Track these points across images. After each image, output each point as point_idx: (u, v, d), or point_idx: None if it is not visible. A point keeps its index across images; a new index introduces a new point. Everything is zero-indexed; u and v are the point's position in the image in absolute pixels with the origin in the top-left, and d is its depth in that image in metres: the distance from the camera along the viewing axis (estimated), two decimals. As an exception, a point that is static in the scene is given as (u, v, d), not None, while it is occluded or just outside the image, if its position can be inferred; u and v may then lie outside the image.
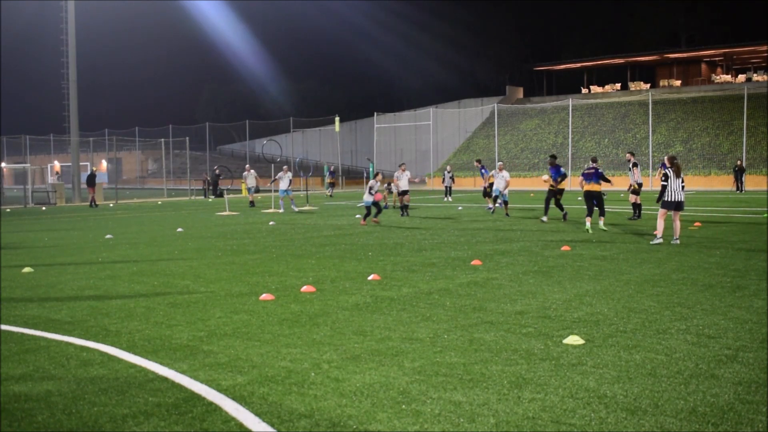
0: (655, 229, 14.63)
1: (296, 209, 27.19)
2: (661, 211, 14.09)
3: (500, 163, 23.24)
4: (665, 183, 13.95)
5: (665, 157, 14.56)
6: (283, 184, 27.21)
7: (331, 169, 47.33)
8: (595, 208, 17.31)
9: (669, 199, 13.91)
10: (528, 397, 5.01)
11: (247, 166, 34.15)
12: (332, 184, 45.58)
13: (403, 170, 24.01)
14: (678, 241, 13.87)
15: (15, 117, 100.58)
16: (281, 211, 26.83)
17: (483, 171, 27.21)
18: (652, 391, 5.10)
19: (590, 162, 18.01)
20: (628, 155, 21.03)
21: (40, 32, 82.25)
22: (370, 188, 20.50)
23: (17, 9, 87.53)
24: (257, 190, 44.49)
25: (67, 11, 42.34)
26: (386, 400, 4.99)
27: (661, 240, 14.00)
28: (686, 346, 6.33)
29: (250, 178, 32.83)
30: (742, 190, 40.00)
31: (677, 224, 14.06)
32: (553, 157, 20.59)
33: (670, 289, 9.14)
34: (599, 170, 17.46)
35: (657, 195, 14.54)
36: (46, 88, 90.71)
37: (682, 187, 13.95)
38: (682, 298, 8.53)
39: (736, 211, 23.01)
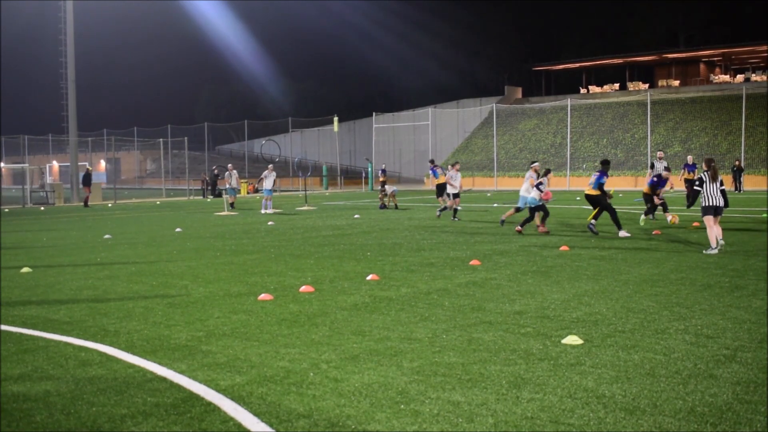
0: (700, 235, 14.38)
1: (270, 211, 26.53)
2: (706, 219, 13.09)
3: (457, 163, 21.96)
4: (699, 188, 13.10)
5: (689, 158, 14.35)
6: (268, 184, 26.99)
7: (383, 167, 45.75)
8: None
9: (708, 204, 12.99)
10: (526, 397, 5.01)
11: (230, 165, 33.12)
12: (384, 183, 44.51)
13: (457, 170, 21.84)
14: (723, 242, 12.94)
15: (14, 117, 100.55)
16: (269, 211, 26.63)
17: (433, 171, 27.35)
18: (650, 391, 5.10)
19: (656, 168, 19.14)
20: (660, 153, 20.01)
21: (38, 32, 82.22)
22: (539, 185, 16.71)
23: (16, 9, 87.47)
24: (256, 190, 44.26)
25: (65, 11, 42.29)
26: (385, 400, 4.99)
27: (716, 250, 12.82)
28: (685, 346, 6.34)
29: (233, 179, 31.91)
30: (740, 190, 40.04)
31: (718, 228, 13.06)
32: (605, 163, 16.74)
33: (668, 289, 9.14)
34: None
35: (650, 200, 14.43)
36: (44, 88, 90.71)
37: (722, 190, 13.02)
38: (681, 298, 8.54)
39: (734, 211, 23.02)
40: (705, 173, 13.16)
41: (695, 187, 13.30)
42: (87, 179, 36.37)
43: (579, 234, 16.38)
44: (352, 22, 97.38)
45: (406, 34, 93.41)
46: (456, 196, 21.39)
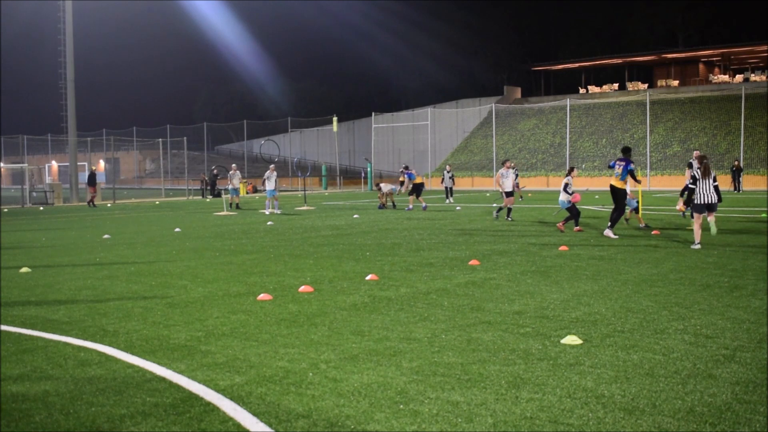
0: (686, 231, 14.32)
1: (270, 212, 26.55)
2: (696, 216, 13.39)
3: (508, 161, 21.55)
4: (693, 185, 13.24)
5: (621, 151, 14.48)
6: (270, 184, 27.03)
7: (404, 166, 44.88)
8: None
9: (699, 202, 13.18)
10: (526, 397, 5.01)
11: (234, 165, 33.22)
12: (403, 183, 43.91)
13: (508, 167, 20.97)
14: (716, 229, 13.48)
15: (13, 117, 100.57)
16: (277, 211, 26.72)
17: (408, 175, 28.23)
18: (649, 391, 5.10)
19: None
20: (696, 153, 19.35)
21: (37, 32, 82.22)
22: (566, 186, 17.05)
23: (15, 9, 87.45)
24: (255, 190, 44.02)
25: (64, 11, 42.28)
26: (384, 400, 4.99)
27: (699, 246, 13.21)
28: (684, 346, 6.34)
29: (236, 179, 31.91)
30: (739, 190, 40.08)
31: (711, 217, 13.40)
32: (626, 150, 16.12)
33: (667, 289, 9.14)
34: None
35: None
36: (43, 88, 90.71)
37: (715, 187, 13.12)
38: (680, 298, 8.54)
39: (733, 211, 23.04)
40: (697, 170, 13.26)
41: (689, 185, 13.42)
42: (92, 179, 36.53)
43: (578, 234, 16.37)
44: (351, 21, 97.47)
45: (405, 34, 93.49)
46: (509, 194, 20.74)
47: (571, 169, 17.61)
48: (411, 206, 27.19)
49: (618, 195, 15.69)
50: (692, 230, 16.23)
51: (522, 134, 62.57)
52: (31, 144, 63.93)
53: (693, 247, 13.28)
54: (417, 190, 27.43)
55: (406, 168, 30.10)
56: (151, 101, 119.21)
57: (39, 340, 6.95)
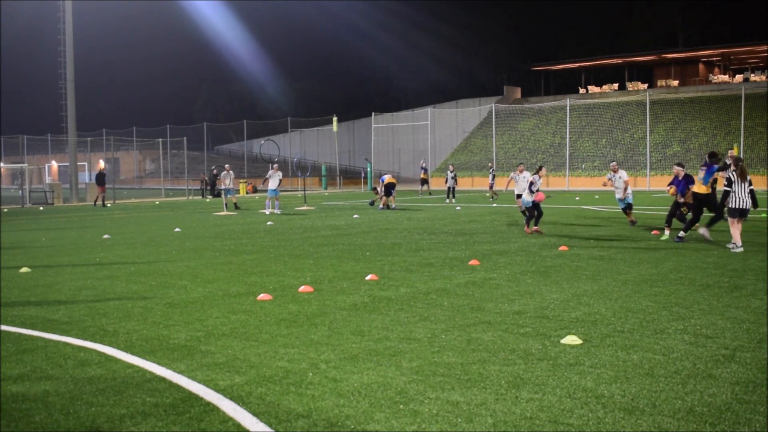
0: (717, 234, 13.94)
1: (270, 212, 26.58)
2: (731, 220, 12.88)
3: (521, 165, 21.00)
4: (729, 188, 12.77)
5: (707, 156, 14.16)
6: (273, 183, 26.94)
7: (423, 165, 44.29)
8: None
9: (735, 206, 12.68)
10: (526, 397, 5.01)
11: (227, 166, 33.02)
12: (425, 181, 42.22)
13: (521, 171, 20.40)
14: (733, 246, 12.82)
15: (13, 117, 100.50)
16: (277, 211, 26.68)
17: (381, 179, 28.99)
18: (649, 391, 5.11)
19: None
20: (730, 152, 17.10)
21: (37, 32, 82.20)
22: (531, 185, 16.55)
23: (15, 9, 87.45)
24: (255, 190, 43.92)
25: (64, 11, 42.28)
26: (384, 400, 4.99)
27: (742, 248, 12.70)
28: (684, 346, 6.34)
29: (228, 179, 31.67)
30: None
31: (736, 232, 12.86)
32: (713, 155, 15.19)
33: (667, 289, 9.15)
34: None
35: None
36: (43, 88, 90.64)
37: (751, 191, 12.61)
38: (680, 298, 8.54)
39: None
40: (732, 173, 12.86)
41: (725, 188, 12.98)
42: (101, 179, 36.32)
43: (578, 234, 16.37)
44: (351, 21, 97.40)
45: (405, 34, 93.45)
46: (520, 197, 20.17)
47: (540, 168, 17.10)
48: (394, 205, 28.08)
49: (703, 202, 14.56)
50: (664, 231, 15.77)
51: (522, 134, 62.57)
52: (31, 144, 63.91)
53: (735, 250, 12.63)
54: (387, 190, 28.11)
55: (423, 168, 30.44)
56: (151, 101, 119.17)
57: (39, 340, 6.95)
